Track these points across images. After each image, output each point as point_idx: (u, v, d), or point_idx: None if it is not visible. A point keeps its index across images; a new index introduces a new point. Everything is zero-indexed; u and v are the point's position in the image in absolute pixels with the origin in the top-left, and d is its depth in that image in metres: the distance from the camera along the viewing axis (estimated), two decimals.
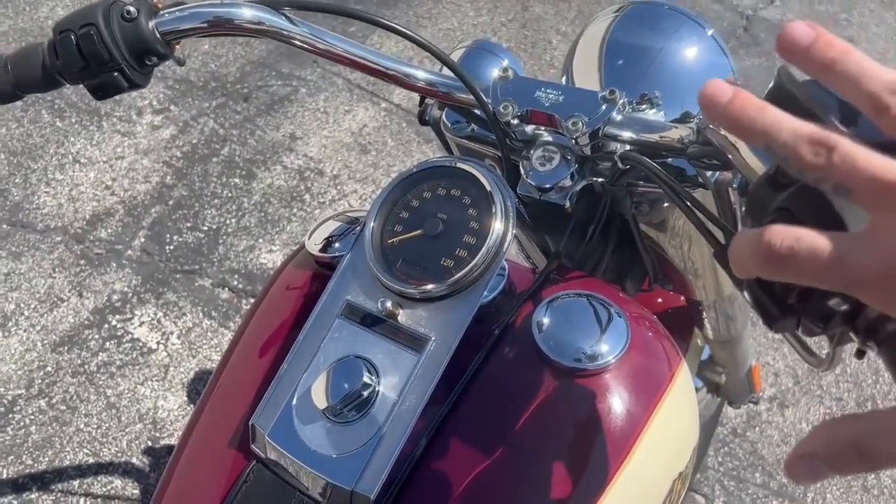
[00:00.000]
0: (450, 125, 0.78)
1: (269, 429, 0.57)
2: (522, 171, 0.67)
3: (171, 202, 2.02)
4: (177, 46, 0.66)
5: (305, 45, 0.66)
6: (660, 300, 0.98)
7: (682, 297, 0.96)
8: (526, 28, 2.59)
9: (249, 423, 0.58)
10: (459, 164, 0.61)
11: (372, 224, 0.61)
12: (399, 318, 0.58)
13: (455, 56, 0.75)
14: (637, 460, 0.57)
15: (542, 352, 0.57)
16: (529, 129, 0.68)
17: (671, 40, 0.76)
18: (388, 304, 0.57)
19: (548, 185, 0.65)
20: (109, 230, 1.95)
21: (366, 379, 0.56)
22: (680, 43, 0.75)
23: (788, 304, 0.37)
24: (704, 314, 0.97)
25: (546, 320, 0.59)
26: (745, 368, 1.21)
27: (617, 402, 0.57)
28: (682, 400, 0.63)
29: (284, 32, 0.65)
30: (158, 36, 0.62)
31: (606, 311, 0.59)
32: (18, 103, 2.20)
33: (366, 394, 0.56)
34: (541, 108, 0.66)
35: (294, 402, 0.57)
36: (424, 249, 0.59)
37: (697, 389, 1.35)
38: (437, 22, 2.61)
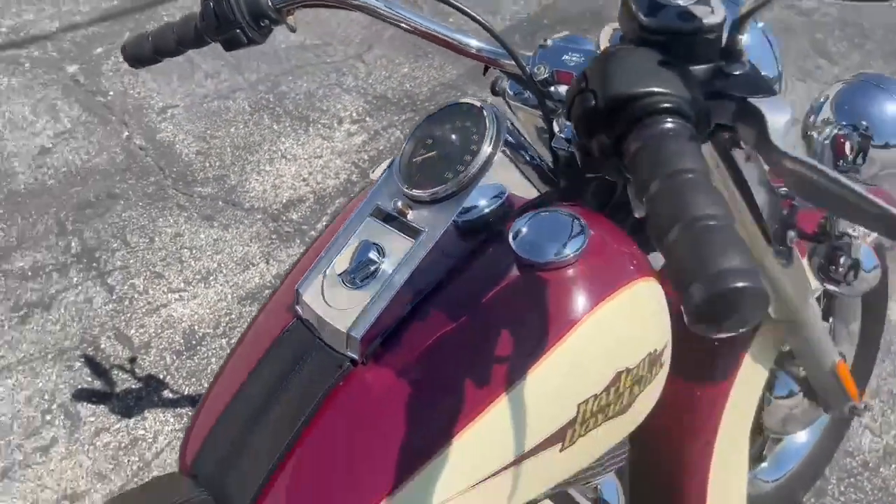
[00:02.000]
0: (512, 94, 0.94)
1: (305, 292, 0.76)
2: (556, 128, 0.81)
3: (352, 195, 2.33)
4: (290, 17, 0.88)
5: (387, 17, 0.85)
6: None
7: None
8: None
9: (295, 288, 0.78)
10: (467, 101, 0.76)
11: (404, 148, 0.78)
12: (408, 216, 0.74)
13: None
14: (574, 342, 0.68)
15: (515, 251, 0.71)
16: (562, 89, 0.81)
17: None
18: (399, 204, 0.74)
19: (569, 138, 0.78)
20: (299, 213, 2.30)
21: (372, 256, 0.73)
22: None
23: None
24: None
25: (524, 229, 0.72)
26: (826, 363, 1.19)
27: (565, 292, 0.69)
28: (639, 307, 0.73)
29: (371, 6, 0.85)
30: (271, 4, 0.85)
31: (577, 224, 0.71)
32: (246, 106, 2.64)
33: (372, 268, 0.73)
34: (565, 69, 0.80)
35: (326, 272, 0.76)
36: (435, 166, 0.75)
37: (793, 393, 1.34)
38: None
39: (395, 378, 0.69)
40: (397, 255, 0.72)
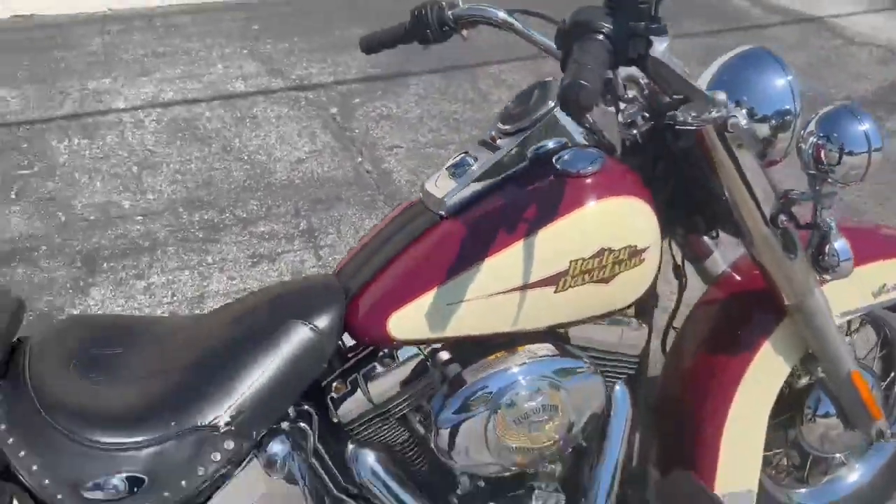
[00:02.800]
0: None
1: (426, 182, 1.22)
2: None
3: None
4: (464, 30, 1.37)
5: (519, 32, 1.31)
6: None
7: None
8: None
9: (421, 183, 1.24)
10: (548, 80, 1.20)
11: (508, 103, 1.24)
12: (496, 142, 1.19)
13: None
14: (576, 219, 1.08)
15: (555, 165, 1.12)
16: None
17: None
18: (493, 133, 1.19)
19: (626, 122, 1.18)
20: None
21: (468, 159, 1.18)
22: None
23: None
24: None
25: (566, 156, 1.13)
26: (843, 368, 1.40)
27: (580, 189, 1.09)
28: (629, 212, 1.11)
29: (515, 27, 1.32)
30: (451, 17, 1.35)
31: (599, 157, 1.12)
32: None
33: (465, 166, 1.17)
34: None
35: (442, 170, 1.22)
36: (519, 113, 1.19)
37: (829, 414, 1.52)
38: None
39: (461, 226, 1.12)
40: (482, 160, 1.16)
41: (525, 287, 1.08)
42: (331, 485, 1.20)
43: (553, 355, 1.15)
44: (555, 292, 1.09)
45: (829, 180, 1.17)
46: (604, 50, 0.96)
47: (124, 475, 0.98)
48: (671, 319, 1.48)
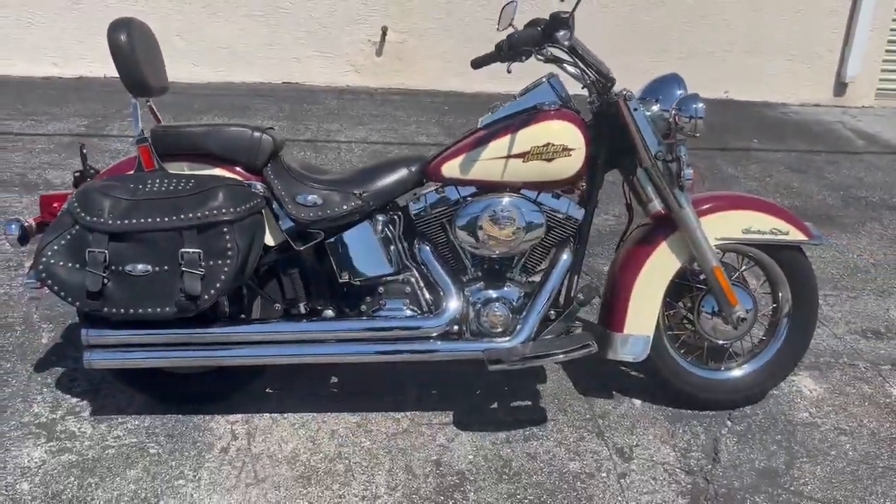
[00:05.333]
0: None
1: (482, 119, 2.43)
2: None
3: None
4: (532, 56, 2.58)
5: (563, 61, 2.52)
6: None
7: None
8: None
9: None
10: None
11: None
12: (517, 99, 2.38)
13: None
14: (534, 127, 2.23)
15: (536, 106, 2.28)
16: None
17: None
18: (515, 95, 2.39)
19: None
20: None
21: (499, 105, 2.38)
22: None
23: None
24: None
25: (546, 103, 2.29)
26: (708, 264, 2.38)
27: (537, 113, 2.25)
28: (561, 129, 2.24)
29: (560, 58, 2.51)
30: (527, 49, 2.54)
31: (559, 103, 2.28)
32: None
33: (498, 107, 2.37)
34: None
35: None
36: (529, 87, 2.37)
37: (714, 311, 2.45)
38: None
39: (487, 129, 2.30)
40: (506, 104, 2.34)
41: (509, 157, 2.24)
42: (402, 253, 2.38)
43: (520, 198, 2.27)
44: (522, 162, 2.24)
45: (680, 131, 2.24)
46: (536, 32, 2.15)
47: (311, 196, 2.25)
48: (623, 236, 2.54)
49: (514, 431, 2.42)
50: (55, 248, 2.09)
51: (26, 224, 2.26)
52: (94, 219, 2.08)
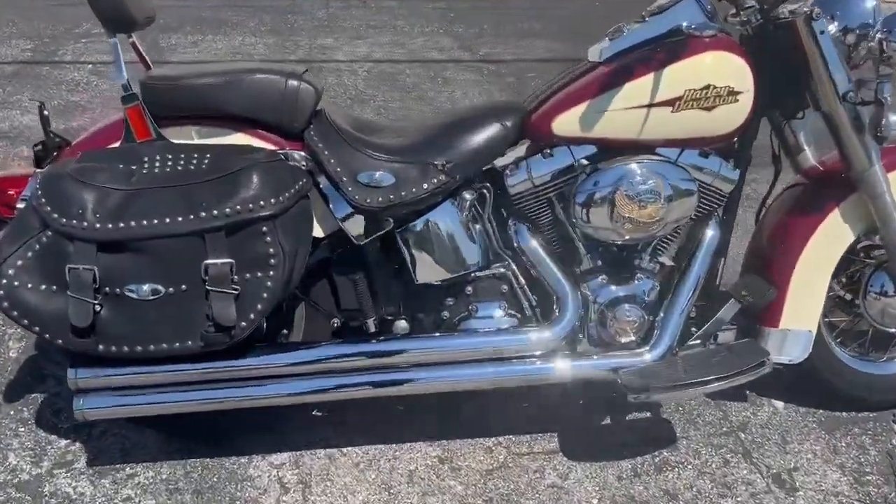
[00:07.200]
0: None
1: (589, 49, 1.77)
2: None
3: None
4: None
5: None
6: None
7: None
8: None
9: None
10: None
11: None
12: (646, 19, 1.71)
13: None
14: (694, 61, 1.58)
15: (684, 31, 1.62)
16: None
17: None
18: (642, 14, 1.73)
19: None
20: None
21: (623, 27, 1.71)
22: None
23: None
24: None
25: (693, 26, 1.62)
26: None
27: (695, 43, 1.59)
28: (715, 61, 1.61)
29: None
30: None
31: (717, 27, 1.61)
32: None
33: (620, 32, 1.71)
34: None
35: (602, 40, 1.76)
36: (664, 5, 1.71)
37: (885, 291, 1.88)
38: None
39: (613, 66, 1.64)
40: (635, 28, 1.68)
41: (651, 105, 1.60)
42: (495, 240, 1.76)
43: (661, 161, 1.65)
44: (671, 112, 1.60)
45: (888, 65, 1.61)
46: None
47: (378, 173, 1.61)
48: (766, 196, 1.94)
49: (641, 458, 1.89)
50: (18, 263, 1.45)
51: None
52: (75, 221, 1.43)
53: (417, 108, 3.92)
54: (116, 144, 1.59)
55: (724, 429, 1.99)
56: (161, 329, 1.47)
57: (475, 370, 1.71)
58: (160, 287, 1.46)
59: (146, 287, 1.45)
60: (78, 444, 1.86)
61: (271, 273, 1.48)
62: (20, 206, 1.61)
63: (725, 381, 1.67)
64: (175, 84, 1.58)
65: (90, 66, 4.23)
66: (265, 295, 1.49)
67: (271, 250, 1.48)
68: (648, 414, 2.03)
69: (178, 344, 1.48)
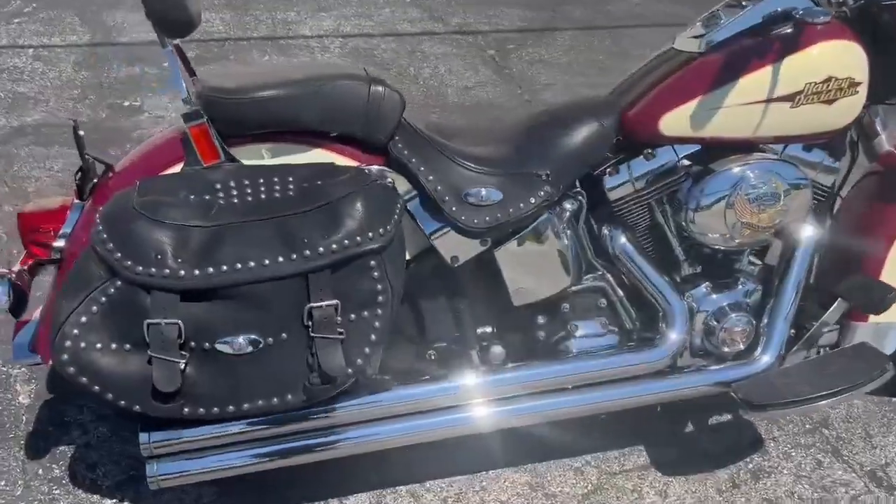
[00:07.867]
0: None
1: (678, 36, 1.62)
2: None
3: None
4: None
5: None
6: None
7: None
8: None
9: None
10: None
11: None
12: (743, 4, 1.57)
13: None
14: (810, 52, 1.45)
15: (794, 17, 1.49)
16: None
17: None
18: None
19: None
20: None
21: (719, 13, 1.56)
22: None
23: None
24: None
25: (802, 11, 1.49)
26: None
27: (810, 32, 1.46)
28: (835, 51, 1.51)
29: None
30: None
31: (827, 12, 1.48)
32: None
33: (717, 20, 1.56)
34: None
35: (693, 27, 1.61)
36: None
37: None
38: None
39: (719, 57, 1.51)
40: (734, 14, 1.54)
41: (769, 100, 1.48)
42: (589, 250, 1.62)
43: (779, 160, 1.53)
44: (790, 107, 1.48)
45: None
46: None
47: (485, 190, 1.43)
48: (840, 187, 1.84)
49: (735, 467, 1.81)
50: (83, 321, 1.22)
51: (13, 278, 1.33)
52: (153, 269, 1.21)
53: (406, 88, 3.68)
54: (176, 169, 1.36)
55: (808, 426, 1.93)
56: (258, 385, 1.28)
57: (586, 395, 1.59)
58: (257, 338, 1.25)
59: (241, 339, 1.24)
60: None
61: (378, 312, 1.30)
62: (58, 244, 1.37)
63: (852, 391, 1.58)
64: (242, 98, 1.35)
65: (31, 49, 3.80)
66: (373, 337, 1.31)
67: (379, 287, 1.30)
68: (729, 417, 1.95)
69: (276, 400, 1.29)
